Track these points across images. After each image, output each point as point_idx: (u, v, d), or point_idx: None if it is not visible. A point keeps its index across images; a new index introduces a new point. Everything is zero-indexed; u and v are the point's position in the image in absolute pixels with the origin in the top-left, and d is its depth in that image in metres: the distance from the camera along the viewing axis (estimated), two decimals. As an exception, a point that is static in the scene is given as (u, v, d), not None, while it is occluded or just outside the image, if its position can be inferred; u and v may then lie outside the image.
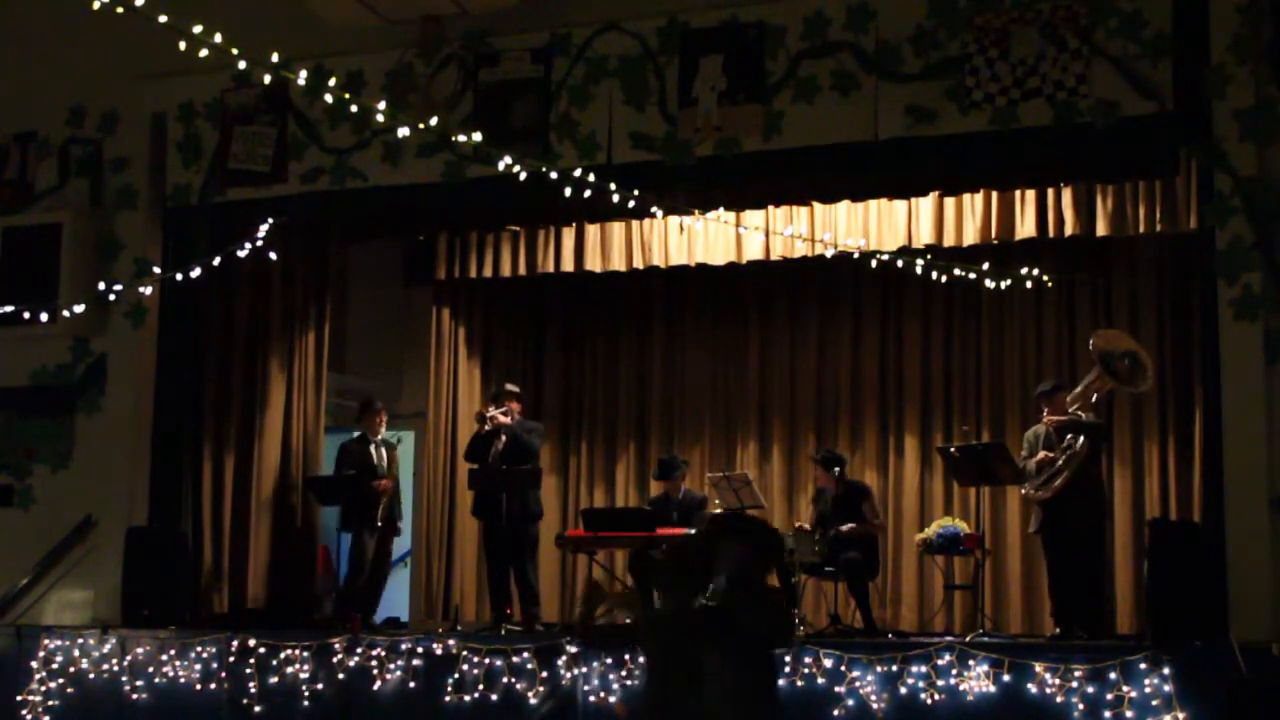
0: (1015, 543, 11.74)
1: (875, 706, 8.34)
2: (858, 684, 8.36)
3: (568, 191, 9.21)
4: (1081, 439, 9.52)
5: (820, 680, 8.43)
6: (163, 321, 11.21)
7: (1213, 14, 8.88)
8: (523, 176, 9.17)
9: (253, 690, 9.64)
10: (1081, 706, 7.96)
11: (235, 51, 7.73)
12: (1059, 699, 8.01)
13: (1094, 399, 9.77)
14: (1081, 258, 11.70)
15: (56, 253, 11.08)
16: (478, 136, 9.12)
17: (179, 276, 10.84)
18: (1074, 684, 7.99)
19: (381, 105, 9.09)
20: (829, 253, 10.59)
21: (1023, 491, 10.07)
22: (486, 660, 9.20)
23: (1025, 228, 11.26)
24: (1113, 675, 7.92)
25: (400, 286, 13.91)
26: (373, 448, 11.16)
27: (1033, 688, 8.08)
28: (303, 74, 8.43)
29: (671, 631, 5.82)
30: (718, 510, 11.22)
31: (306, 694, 9.55)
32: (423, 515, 13.16)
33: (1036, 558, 10.89)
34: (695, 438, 13.12)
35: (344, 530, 11.11)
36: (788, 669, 8.49)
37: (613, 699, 8.83)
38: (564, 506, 13.43)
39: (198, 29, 7.67)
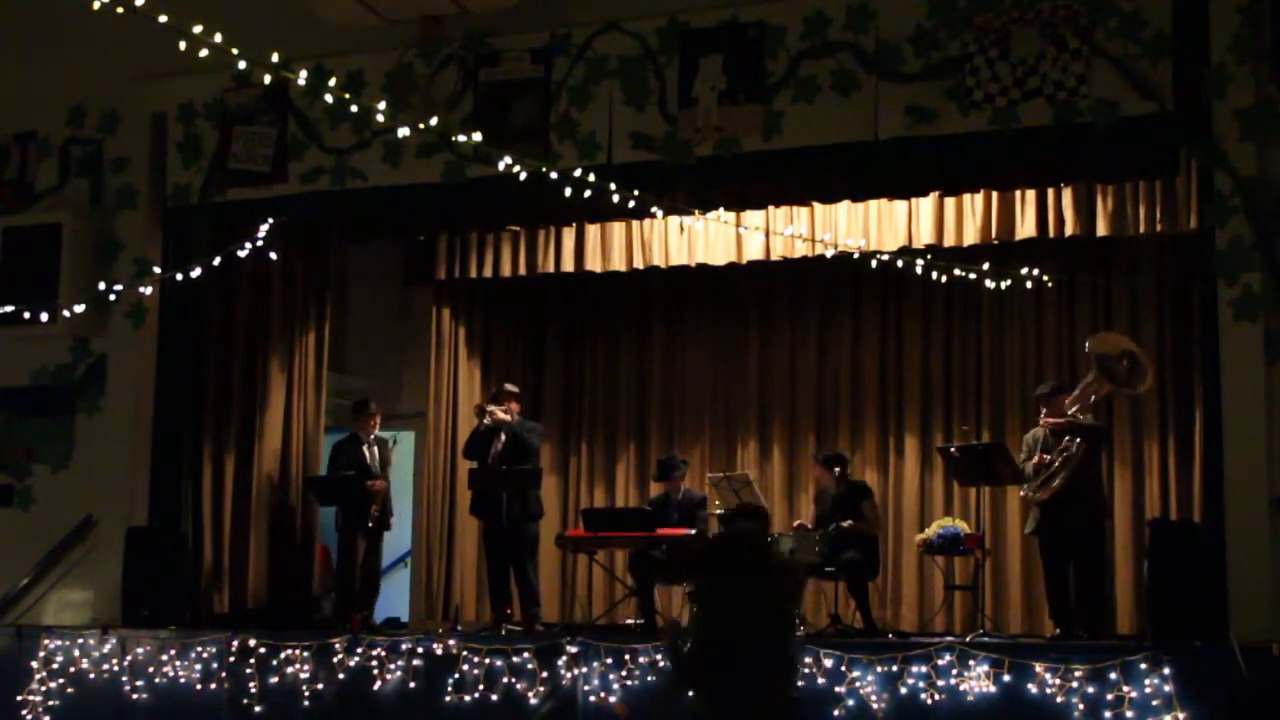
0: (1015, 543, 11.73)
1: (875, 706, 8.34)
2: (858, 684, 8.36)
3: (568, 191, 9.21)
4: (1078, 441, 9.52)
5: (820, 680, 8.42)
6: (163, 321, 11.21)
7: (1213, 14, 8.88)
8: (523, 176, 9.17)
9: (253, 690, 9.64)
10: (1081, 706, 7.96)
11: (235, 51, 7.73)
12: (1059, 699, 8.01)
13: (1093, 401, 9.76)
14: (1081, 258, 11.70)
15: (56, 253, 11.09)
16: (478, 136, 9.12)
17: (179, 276, 10.84)
18: (1074, 684, 7.99)
19: (381, 105, 9.09)
20: (829, 253, 10.59)
21: (1021, 493, 10.07)
22: (486, 660, 9.20)
23: (1025, 228, 11.25)
24: (1113, 675, 7.91)
25: (400, 286, 13.91)
26: (365, 448, 11.14)
27: (1033, 688, 8.08)
28: (303, 74, 8.43)
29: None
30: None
31: (306, 694, 9.55)
32: (423, 515, 13.15)
33: (1036, 558, 10.87)
34: (695, 438, 13.11)
35: (339, 531, 11.10)
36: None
37: (613, 699, 8.83)
38: (564, 506, 13.43)
39: (198, 29, 7.67)
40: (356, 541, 10.94)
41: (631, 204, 9.29)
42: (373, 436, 11.26)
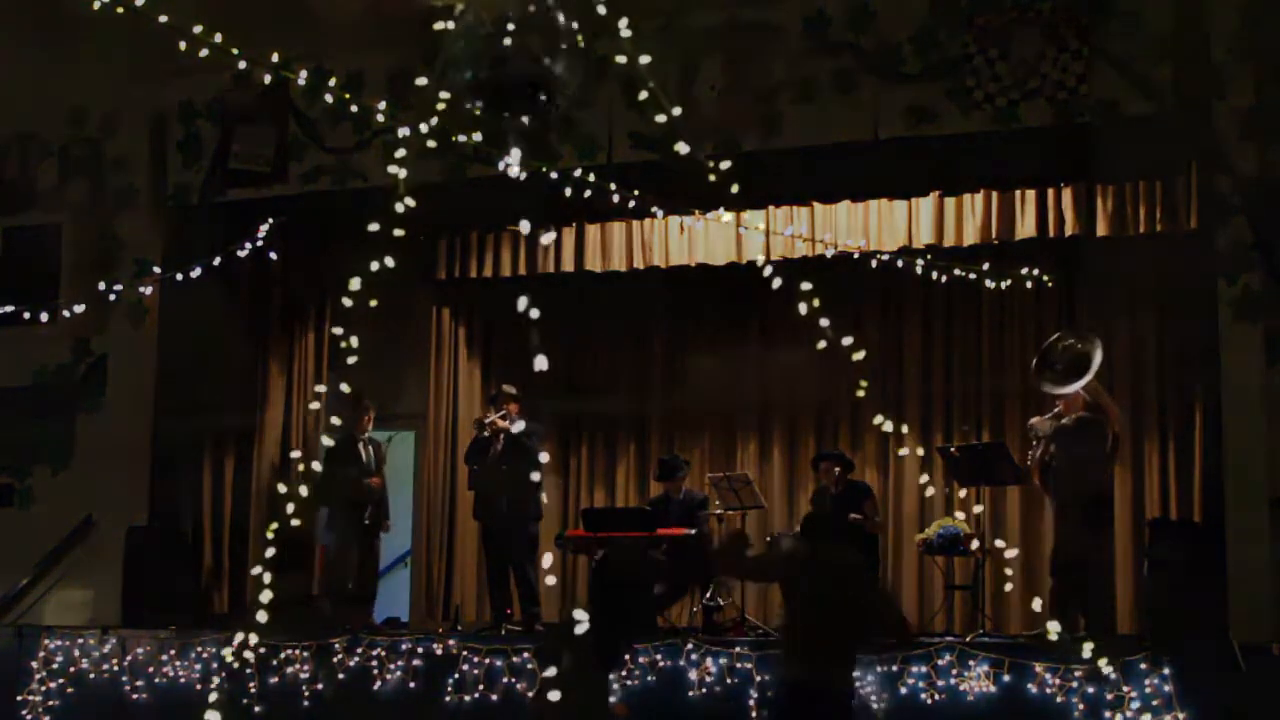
0: (1015, 542, 11.71)
1: (875, 706, 8.34)
2: (858, 684, 8.33)
3: (568, 191, 9.21)
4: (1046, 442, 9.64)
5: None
6: (163, 321, 11.21)
7: (1213, 14, 8.88)
8: (523, 176, 9.15)
9: (253, 690, 9.64)
10: (1081, 706, 7.97)
11: (235, 51, 7.73)
12: (1059, 699, 8.02)
13: (1086, 399, 9.83)
14: (1081, 258, 11.69)
15: (56, 253, 11.10)
16: (478, 136, 9.11)
17: (179, 276, 10.84)
18: (1074, 684, 8.00)
19: (382, 105, 9.09)
20: (829, 253, 10.59)
21: None
22: (486, 660, 9.20)
23: (1025, 228, 11.23)
24: (1113, 675, 7.92)
25: (400, 286, 13.86)
26: (360, 446, 11.12)
27: (1033, 688, 8.09)
28: (303, 74, 8.43)
29: None
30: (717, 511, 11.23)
31: (306, 694, 9.55)
32: (423, 515, 13.14)
33: (1036, 558, 10.89)
34: (695, 438, 13.09)
35: (328, 529, 11.06)
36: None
37: (613, 699, 8.82)
38: (564, 506, 13.42)
39: (198, 29, 7.67)
40: (350, 540, 10.89)
41: (631, 204, 9.28)
42: (367, 435, 11.23)
